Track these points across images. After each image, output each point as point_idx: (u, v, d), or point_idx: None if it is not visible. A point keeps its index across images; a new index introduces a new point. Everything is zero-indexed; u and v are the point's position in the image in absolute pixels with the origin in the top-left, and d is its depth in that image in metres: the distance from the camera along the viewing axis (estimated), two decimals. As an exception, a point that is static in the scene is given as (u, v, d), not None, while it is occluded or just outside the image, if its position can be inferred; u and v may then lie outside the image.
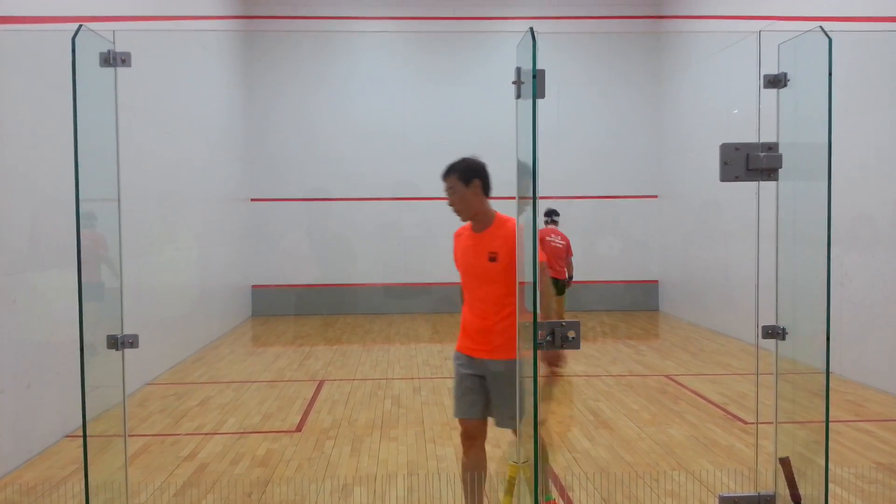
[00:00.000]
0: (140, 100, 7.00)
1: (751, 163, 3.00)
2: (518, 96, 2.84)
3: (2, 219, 4.64)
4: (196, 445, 5.16)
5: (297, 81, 12.34)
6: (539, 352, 3.13)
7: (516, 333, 3.26)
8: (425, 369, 7.87)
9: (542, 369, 3.31)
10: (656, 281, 12.67)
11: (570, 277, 9.43)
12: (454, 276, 11.69)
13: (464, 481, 3.48)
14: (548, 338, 2.69)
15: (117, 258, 3.25)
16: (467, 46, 12.52)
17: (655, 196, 12.56)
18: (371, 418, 5.86)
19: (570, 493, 4.19)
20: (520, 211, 3.05)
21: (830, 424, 3.00)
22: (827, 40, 2.83)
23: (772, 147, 3.01)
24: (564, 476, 4.48)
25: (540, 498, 2.67)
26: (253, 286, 12.11)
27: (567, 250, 9.47)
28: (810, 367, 3.18)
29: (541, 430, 3.39)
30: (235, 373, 7.77)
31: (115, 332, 3.16)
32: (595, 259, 10.78)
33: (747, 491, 3.55)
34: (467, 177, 3.41)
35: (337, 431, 5.50)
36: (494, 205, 3.49)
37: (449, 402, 6.39)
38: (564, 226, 9.74)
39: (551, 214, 9.61)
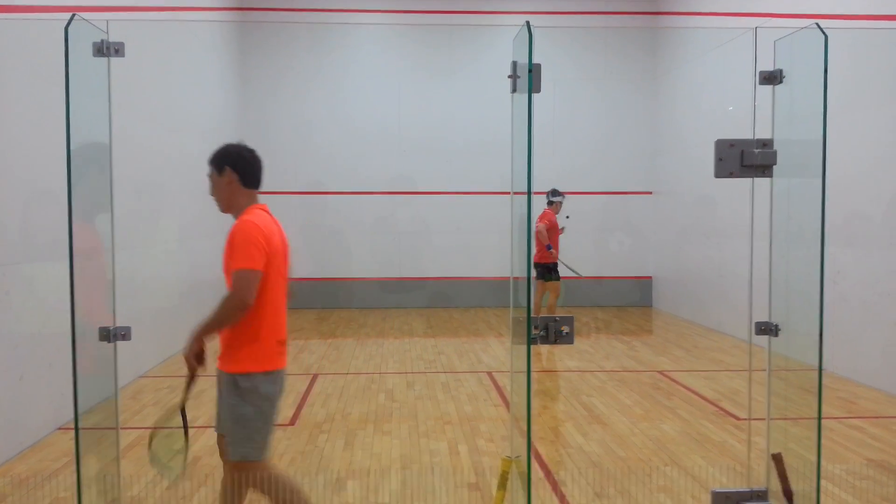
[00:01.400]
0: (134, 90, 6.96)
1: (745, 159, 3.00)
2: (514, 90, 2.83)
3: (-6, 210, 4.61)
4: (189, 439, 5.14)
5: (293, 74, 12.29)
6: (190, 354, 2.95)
7: (231, 343, 3.01)
8: (419, 364, 7.88)
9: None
10: (650, 277, 12.69)
11: (548, 248, 8.98)
12: (448, 272, 11.78)
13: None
14: (541, 333, 2.68)
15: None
16: (463, 40, 12.49)
17: (650, 192, 12.57)
18: (365, 412, 5.86)
19: (562, 488, 4.20)
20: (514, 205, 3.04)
21: (822, 421, 3.02)
22: (823, 37, 2.83)
23: (766, 144, 3.01)
24: (557, 471, 4.49)
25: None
26: (247, 279, 12.07)
27: (548, 230, 8.98)
28: (803, 364, 3.19)
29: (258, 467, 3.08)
30: (229, 366, 7.75)
31: (108, 324, 3.15)
32: (590, 255, 10.80)
33: (739, 486, 3.57)
34: (220, 165, 3.06)
35: (330, 425, 5.49)
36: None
37: (442, 396, 6.39)
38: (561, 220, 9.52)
39: (549, 195, 9.27)
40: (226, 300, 2.88)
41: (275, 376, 3.08)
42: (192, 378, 3.10)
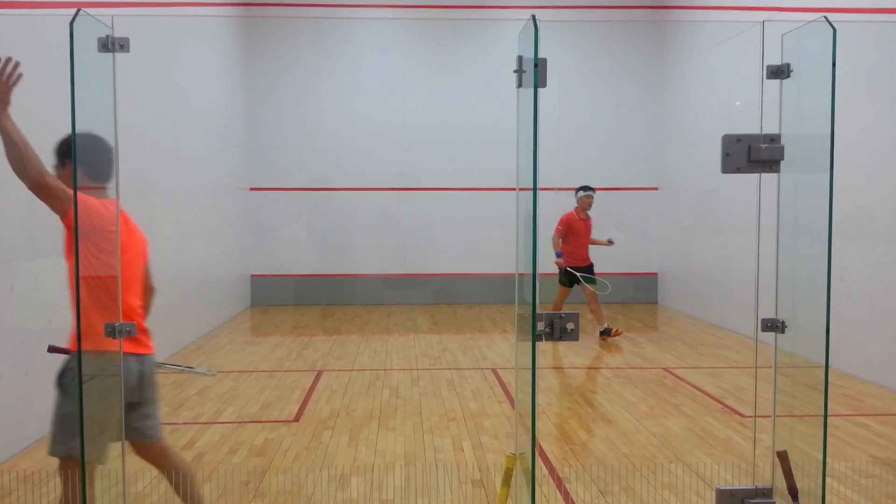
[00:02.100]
0: (139, 86, 6.96)
1: (752, 154, 2.98)
2: (519, 85, 2.81)
3: (-1, 206, 4.62)
4: (194, 434, 5.16)
5: (297, 69, 12.28)
6: None
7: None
8: (424, 360, 7.88)
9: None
10: (655, 273, 12.66)
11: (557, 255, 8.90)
12: (453, 268, 11.77)
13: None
14: (546, 329, 2.68)
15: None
16: (468, 35, 12.45)
17: (656, 188, 12.53)
18: (369, 408, 5.87)
19: (567, 485, 4.19)
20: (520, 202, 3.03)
21: (828, 418, 3.00)
22: (831, 31, 2.81)
23: (774, 138, 2.99)
24: (561, 468, 4.48)
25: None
26: (252, 276, 12.10)
27: (564, 235, 8.89)
28: (809, 361, 3.17)
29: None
30: (234, 362, 7.77)
31: (113, 320, 3.15)
32: (594, 251, 10.73)
33: (744, 484, 3.55)
34: (62, 157, 2.98)
35: (335, 421, 5.50)
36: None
37: (446, 392, 6.39)
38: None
39: (578, 190, 9.05)
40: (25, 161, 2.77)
41: (108, 359, 2.91)
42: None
